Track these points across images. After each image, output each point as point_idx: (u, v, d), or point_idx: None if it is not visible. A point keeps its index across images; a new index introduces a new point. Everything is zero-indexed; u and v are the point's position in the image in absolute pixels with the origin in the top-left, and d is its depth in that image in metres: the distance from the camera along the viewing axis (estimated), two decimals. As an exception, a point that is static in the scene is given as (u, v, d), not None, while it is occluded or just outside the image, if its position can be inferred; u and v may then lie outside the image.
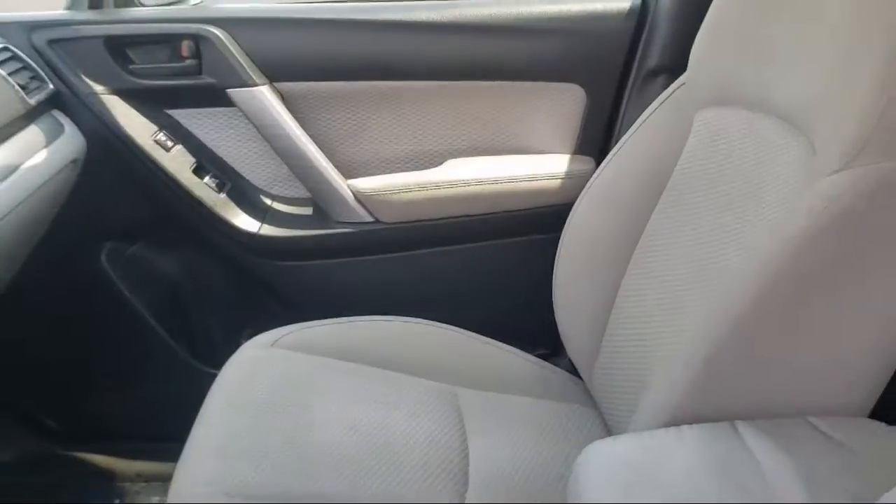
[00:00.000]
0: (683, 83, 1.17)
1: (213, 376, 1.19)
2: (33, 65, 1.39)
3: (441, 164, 1.52)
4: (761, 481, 0.69)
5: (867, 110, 0.77)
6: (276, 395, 1.12)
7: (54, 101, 1.41)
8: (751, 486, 0.68)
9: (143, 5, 1.54)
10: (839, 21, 0.85)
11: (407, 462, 1.03)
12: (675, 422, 0.83)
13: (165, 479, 1.63)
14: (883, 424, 0.81)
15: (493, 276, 1.56)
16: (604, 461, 0.75)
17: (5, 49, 1.36)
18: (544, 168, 1.51)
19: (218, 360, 1.26)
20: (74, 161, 1.38)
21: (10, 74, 1.31)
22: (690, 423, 0.81)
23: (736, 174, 1.01)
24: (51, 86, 1.40)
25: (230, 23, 1.43)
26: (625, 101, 1.49)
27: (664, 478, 0.71)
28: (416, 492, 0.99)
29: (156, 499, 1.63)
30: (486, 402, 1.20)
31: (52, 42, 1.42)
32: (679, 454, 0.75)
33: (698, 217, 1.05)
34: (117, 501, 1.64)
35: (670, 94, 1.18)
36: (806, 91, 0.89)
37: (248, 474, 0.98)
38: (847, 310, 0.81)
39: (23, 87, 1.32)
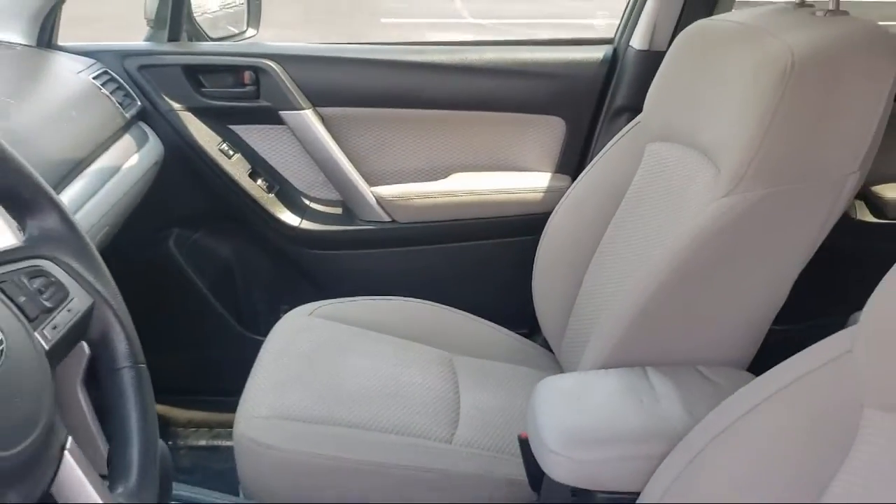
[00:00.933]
0: (639, 122, 1.47)
1: (256, 342, 1.47)
2: (125, 85, 1.69)
3: (447, 176, 1.83)
4: (654, 398, 1.02)
5: (746, 150, 1.09)
6: (315, 351, 1.42)
7: (141, 115, 1.70)
8: (646, 400, 1.01)
9: (211, 39, 1.86)
10: (737, 83, 1.16)
11: (413, 404, 1.33)
12: (605, 367, 1.15)
13: (212, 426, 1.94)
14: (749, 374, 1.13)
15: (485, 268, 1.85)
16: (549, 388, 1.07)
17: (105, 73, 1.67)
18: (530, 183, 1.81)
19: (261, 329, 1.55)
20: (156, 163, 1.68)
21: (109, 95, 1.63)
22: (615, 368, 1.13)
23: (669, 193, 1.31)
24: (139, 103, 1.69)
25: (283, 58, 1.74)
26: (597, 132, 1.79)
27: (588, 397, 1.04)
28: (419, 425, 1.29)
29: (203, 442, 1.91)
30: (475, 366, 1.50)
31: (141, 67, 1.72)
32: (601, 384, 1.07)
33: (642, 224, 1.35)
34: (170, 442, 1.92)
35: (629, 130, 1.47)
36: (717, 132, 1.19)
37: (297, 404, 1.27)
38: (728, 287, 1.13)
39: (119, 104, 1.64)
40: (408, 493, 1.20)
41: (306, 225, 1.83)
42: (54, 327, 0.66)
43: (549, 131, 1.82)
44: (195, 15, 1.82)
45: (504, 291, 1.76)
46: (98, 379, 0.72)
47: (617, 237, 1.41)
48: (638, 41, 1.72)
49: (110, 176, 1.48)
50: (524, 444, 1.10)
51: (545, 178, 1.82)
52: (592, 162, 1.51)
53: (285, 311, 1.57)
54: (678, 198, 1.28)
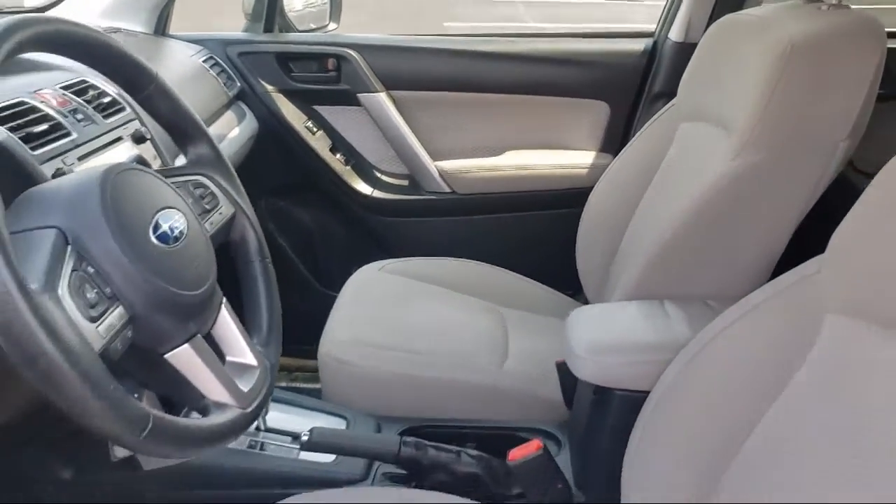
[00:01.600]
0: (673, 104, 1.68)
1: (331, 297, 1.69)
2: (227, 69, 1.96)
3: (502, 153, 2.05)
4: (666, 321, 1.23)
5: (750, 119, 1.28)
6: (384, 298, 1.66)
7: (240, 95, 1.97)
8: (659, 322, 1.22)
9: (298, 31, 2.12)
10: (750, 67, 1.35)
11: (468, 339, 1.56)
12: (628, 300, 1.36)
13: (291, 370, 2.18)
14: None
15: (534, 235, 2.06)
16: (580, 313, 1.29)
17: (211, 58, 1.94)
18: (575, 160, 2.03)
19: (336, 287, 1.76)
20: (251, 137, 1.94)
21: (215, 77, 1.90)
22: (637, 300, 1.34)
23: (695, 162, 1.52)
24: (238, 84, 1.96)
25: (362, 47, 1.99)
26: (637, 115, 2.00)
27: (611, 319, 1.26)
28: (472, 353, 1.52)
29: (283, 383, 2.16)
30: (522, 317, 1.72)
31: (241, 54, 1.99)
32: (623, 310, 1.29)
33: (671, 189, 1.54)
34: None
35: (664, 112, 1.67)
36: (732, 107, 1.39)
37: (370, 333, 1.51)
38: (735, 235, 1.32)
39: (224, 84, 1.91)
40: (462, 404, 1.43)
41: (377, 194, 2.08)
42: (211, 223, 0.90)
43: (595, 114, 2.03)
44: (286, 10, 2.09)
45: (550, 255, 1.94)
46: (236, 269, 0.97)
47: (649, 204, 1.61)
48: (675, 34, 1.93)
49: (218, 143, 1.74)
50: (561, 367, 1.33)
51: (590, 156, 2.04)
52: (630, 142, 1.72)
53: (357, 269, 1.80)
54: (700, 164, 1.48)
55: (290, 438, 1.30)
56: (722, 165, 1.32)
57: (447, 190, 2.05)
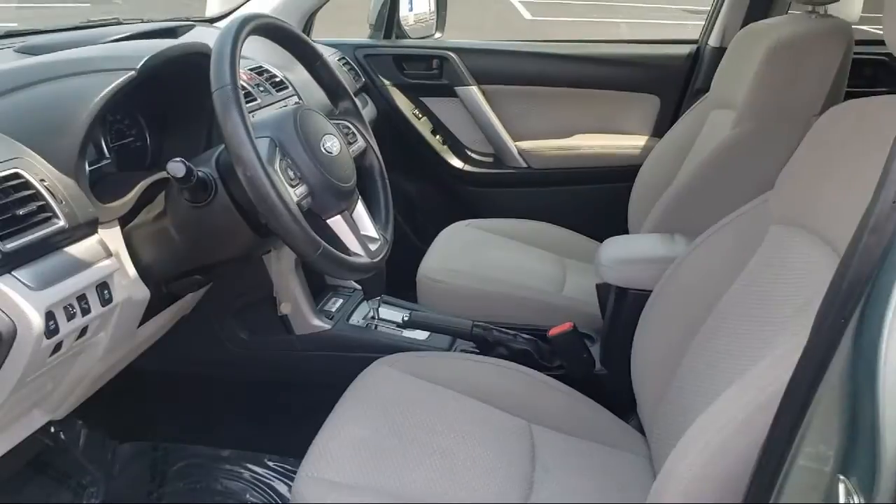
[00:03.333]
0: (706, 97, 2.06)
1: (423, 245, 2.12)
2: (355, 67, 2.46)
3: (570, 136, 2.48)
4: (672, 244, 1.63)
5: (744, 98, 1.68)
6: (469, 243, 2.09)
7: (364, 88, 2.46)
8: (666, 245, 1.63)
9: (411, 38, 2.60)
10: (753, 60, 1.72)
11: (535, 274, 1.96)
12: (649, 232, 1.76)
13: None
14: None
15: (593, 202, 2.45)
16: (610, 241, 1.70)
17: (343, 58, 2.44)
18: (629, 142, 2.43)
19: (429, 240, 2.21)
20: (370, 121, 2.43)
21: (346, 72, 2.40)
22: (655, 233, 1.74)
23: (713, 139, 1.90)
24: (363, 79, 2.46)
25: (459, 50, 2.46)
26: (682, 107, 2.39)
27: (632, 243, 1.66)
28: (536, 281, 1.93)
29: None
30: (578, 265, 2.11)
31: (365, 56, 2.49)
32: (641, 238, 1.69)
33: (693, 156, 1.94)
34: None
35: (699, 103, 2.06)
36: (737, 92, 1.78)
37: (456, 263, 1.96)
38: (732, 188, 1.69)
39: (353, 79, 2.40)
40: (525, 314, 1.85)
41: (467, 168, 2.54)
42: (351, 151, 1.37)
43: (647, 106, 2.44)
44: (402, 22, 2.58)
45: (604, 218, 2.28)
46: (364, 183, 1.43)
47: (682, 171, 2.01)
48: (713, 40, 2.32)
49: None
50: (599, 287, 1.73)
51: (642, 139, 2.44)
52: (672, 128, 2.12)
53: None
54: (716, 136, 1.87)
55: (394, 325, 1.77)
56: (724, 133, 1.72)
57: (524, 165, 2.49)
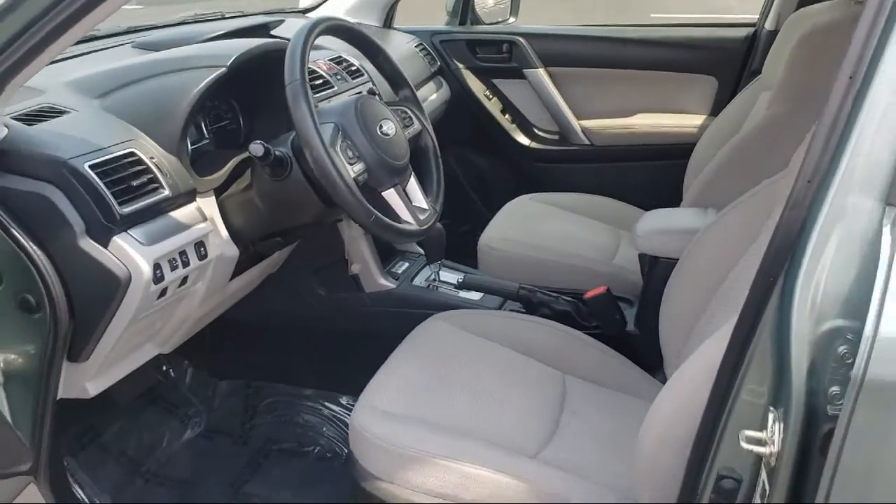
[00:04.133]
0: (758, 78, 2.16)
1: (492, 215, 2.29)
2: (431, 52, 2.65)
3: (632, 116, 2.60)
4: (703, 217, 1.76)
5: (778, 83, 1.77)
6: (530, 215, 2.26)
7: (439, 71, 2.65)
8: (697, 218, 1.76)
9: (485, 23, 2.77)
10: (791, 43, 1.82)
11: (586, 244, 2.12)
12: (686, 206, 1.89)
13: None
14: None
15: (651, 178, 2.55)
16: (647, 214, 1.84)
17: (420, 44, 2.62)
18: (687, 121, 2.54)
19: (497, 211, 2.38)
20: (445, 101, 2.63)
21: (423, 57, 2.59)
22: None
23: (756, 117, 2.00)
24: (438, 63, 2.65)
25: (528, 35, 2.61)
26: (739, 88, 2.47)
27: (667, 216, 1.81)
28: (587, 250, 2.09)
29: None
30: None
31: (441, 41, 2.68)
32: (674, 212, 1.83)
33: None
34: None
35: (751, 84, 2.17)
36: (779, 73, 1.87)
37: (514, 233, 2.14)
38: (765, 159, 1.80)
39: (428, 63, 2.60)
40: (572, 278, 2.02)
41: (534, 145, 2.70)
42: (407, 133, 1.57)
43: (706, 86, 2.53)
44: (477, 7, 2.75)
45: (662, 192, 2.39)
46: (419, 162, 1.63)
47: (723, 149, 2.10)
48: (769, 23, 2.39)
49: (422, 102, 2.44)
50: (641, 256, 1.88)
51: (699, 118, 2.54)
52: (728, 106, 2.22)
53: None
54: (755, 114, 1.97)
55: (451, 286, 1.97)
56: (760, 114, 1.83)
57: (587, 143, 2.64)
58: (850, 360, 0.81)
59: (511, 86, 2.71)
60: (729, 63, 2.48)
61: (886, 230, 0.83)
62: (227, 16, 2.27)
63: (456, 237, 2.51)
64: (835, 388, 0.83)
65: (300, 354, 2.01)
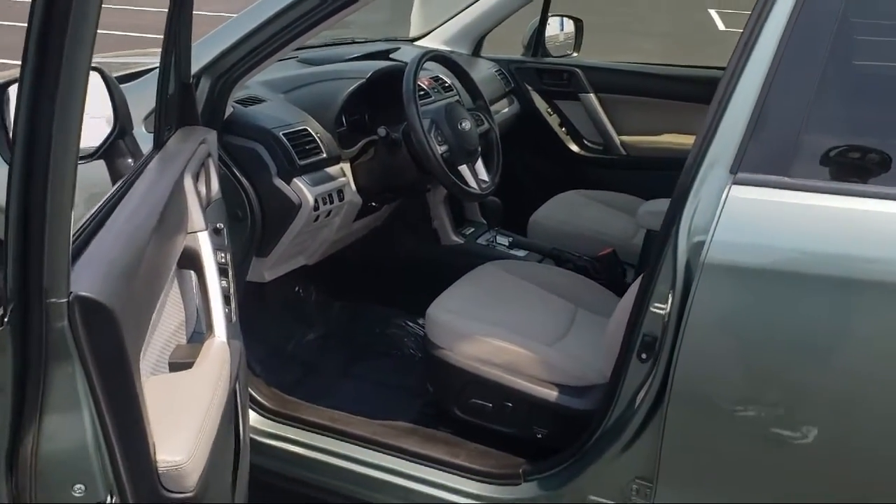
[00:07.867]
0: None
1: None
2: (507, 76, 3.29)
3: (660, 134, 3.19)
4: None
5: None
6: (573, 205, 2.90)
7: (512, 91, 3.28)
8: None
9: (551, 55, 3.41)
10: None
11: (616, 227, 2.76)
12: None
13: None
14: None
15: (669, 183, 3.14)
16: (650, 201, 2.45)
17: (500, 70, 3.27)
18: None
19: (548, 199, 3.00)
20: (515, 115, 3.25)
21: (500, 79, 3.24)
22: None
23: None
24: (512, 84, 3.27)
25: (583, 67, 3.22)
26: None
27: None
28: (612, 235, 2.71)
29: None
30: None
31: (516, 69, 3.31)
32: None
33: None
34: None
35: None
36: None
37: (558, 215, 2.80)
38: None
39: (504, 84, 3.25)
40: (595, 249, 2.65)
41: (583, 153, 3.30)
42: (479, 130, 2.23)
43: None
44: (547, 43, 3.39)
45: None
46: (486, 151, 2.28)
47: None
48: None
49: (495, 115, 3.11)
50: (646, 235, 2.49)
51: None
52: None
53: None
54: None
55: (505, 246, 2.62)
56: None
57: (624, 153, 3.24)
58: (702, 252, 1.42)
59: (568, 106, 3.31)
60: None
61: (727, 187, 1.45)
62: (356, 40, 3.00)
63: (514, 216, 3.14)
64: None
65: (395, 284, 2.69)
